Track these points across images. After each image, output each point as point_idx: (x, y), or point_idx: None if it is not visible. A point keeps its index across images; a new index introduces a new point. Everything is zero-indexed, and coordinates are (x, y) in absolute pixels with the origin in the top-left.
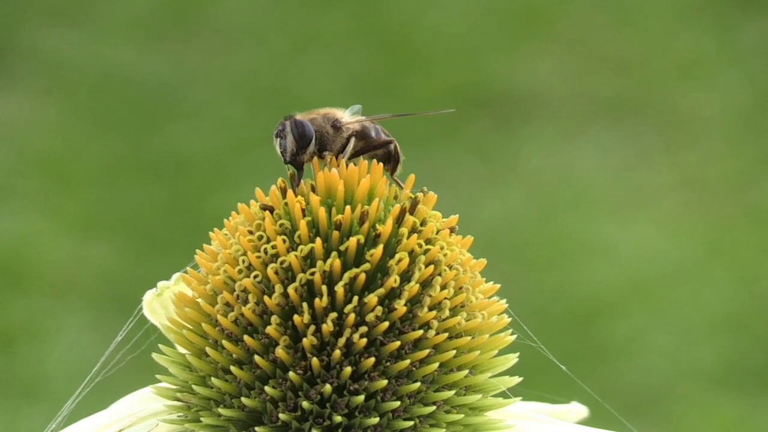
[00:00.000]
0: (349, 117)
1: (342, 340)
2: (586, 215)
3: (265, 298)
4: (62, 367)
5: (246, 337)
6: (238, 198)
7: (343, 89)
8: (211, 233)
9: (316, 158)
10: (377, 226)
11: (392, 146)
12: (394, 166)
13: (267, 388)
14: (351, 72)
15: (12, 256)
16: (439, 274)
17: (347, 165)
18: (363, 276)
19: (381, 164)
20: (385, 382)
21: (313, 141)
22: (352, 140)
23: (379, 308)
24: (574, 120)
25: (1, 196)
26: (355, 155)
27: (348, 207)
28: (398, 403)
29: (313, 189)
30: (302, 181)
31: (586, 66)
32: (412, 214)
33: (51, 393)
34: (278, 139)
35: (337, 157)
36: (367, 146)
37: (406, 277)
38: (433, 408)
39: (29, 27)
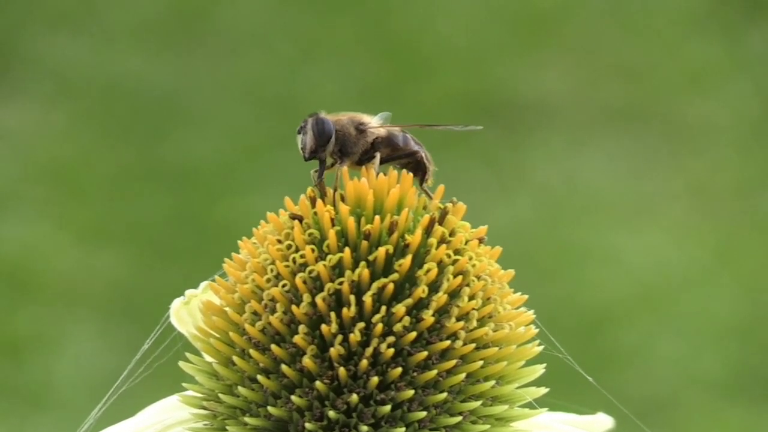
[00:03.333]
0: (376, 122)
1: (369, 350)
2: (593, 223)
3: (293, 307)
4: (69, 375)
5: (273, 346)
6: (246, 205)
7: (351, 96)
8: (239, 241)
9: (346, 168)
10: (406, 236)
11: (419, 155)
12: (423, 176)
13: (293, 398)
14: (358, 79)
15: (19, 264)
16: (468, 285)
17: (377, 173)
18: (391, 286)
19: (411, 174)
20: (411, 392)
21: (333, 139)
22: (377, 154)
23: (407, 318)
24: (582, 128)
25: (8, 204)
26: (381, 162)
27: (377, 217)
28: (425, 413)
29: (343, 198)
30: (332, 189)
31: (594, 74)
32: (441, 224)
33: (58, 402)
34: (299, 136)
35: (360, 162)
36: (393, 154)
37: (434, 287)
38: (460, 418)
39: (34, 34)
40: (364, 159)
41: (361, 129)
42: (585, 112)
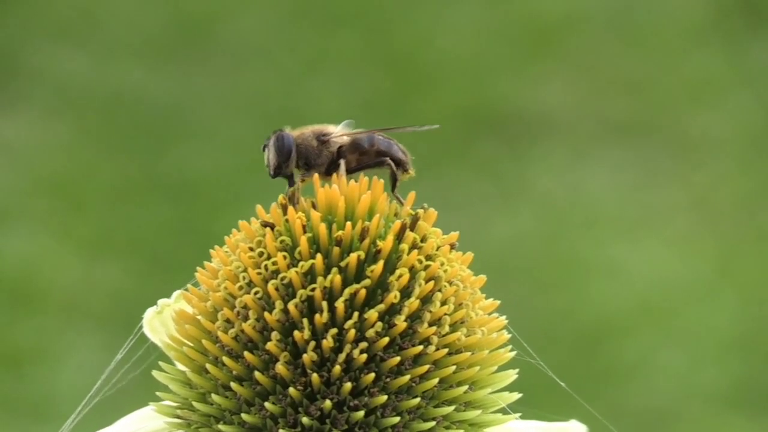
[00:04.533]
0: (339, 131)
1: (342, 356)
2: (595, 236)
3: (266, 314)
4: (71, 387)
5: (246, 354)
6: (248, 218)
7: (353, 110)
8: (211, 250)
9: (317, 175)
10: (378, 242)
11: (387, 162)
12: (394, 183)
13: (267, 405)
14: (361, 93)
15: (21, 276)
16: (440, 290)
17: (347, 180)
18: (363, 292)
19: (381, 181)
20: (384, 397)
21: (293, 154)
22: (342, 160)
23: (380, 324)
24: (584, 141)
25: (10, 217)
26: (352, 170)
27: (349, 223)
28: (398, 418)
29: (314, 205)
30: (303, 198)
31: (596, 87)
32: (412, 230)
33: (59, 414)
34: (264, 153)
35: (328, 173)
36: (363, 160)
37: (406, 292)
38: (433, 423)
39: (36, 47)
40: (333, 169)
41: (322, 140)
42: (587, 125)
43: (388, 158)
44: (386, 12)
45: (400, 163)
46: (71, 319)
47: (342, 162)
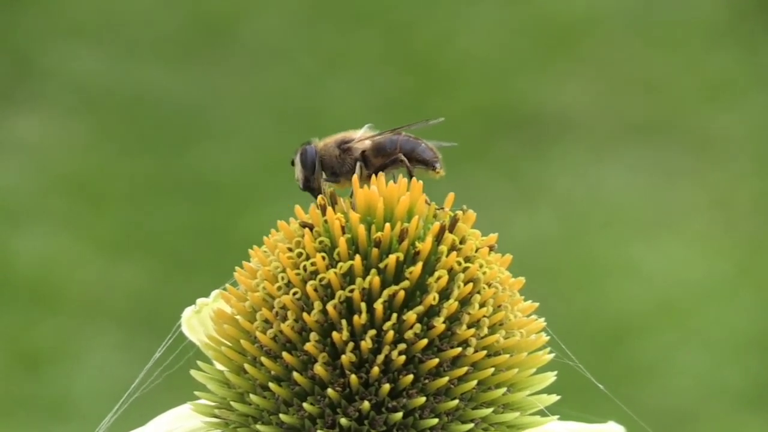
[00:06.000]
0: (361, 136)
1: (381, 357)
2: (614, 236)
3: (304, 314)
4: (90, 387)
5: (285, 354)
6: (268, 218)
7: (373, 110)
8: (250, 250)
9: (355, 177)
10: (416, 243)
11: (404, 162)
12: (410, 178)
13: (305, 405)
14: (380, 93)
15: (41, 276)
16: (478, 292)
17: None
18: (402, 293)
19: (420, 182)
20: (423, 399)
21: (317, 165)
22: (358, 163)
23: (418, 326)
24: (603, 141)
25: (30, 216)
26: (377, 170)
27: (387, 224)
28: (436, 420)
29: (353, 206)
30: (342, 199)
31: (615, 87)
32: (451, 232)
33: (79, 414)
34: (293, 168)
35: (361, 177)
36: (386, 161)
37: (445, 294)
38: (471, 425)
39: (55, 46)
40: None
41: (344, 148)
42: (606, 125)
43: (401, 156)
44: (406, 12)
45: (426, 163)
46: (90, 319)
47: (358, 166)
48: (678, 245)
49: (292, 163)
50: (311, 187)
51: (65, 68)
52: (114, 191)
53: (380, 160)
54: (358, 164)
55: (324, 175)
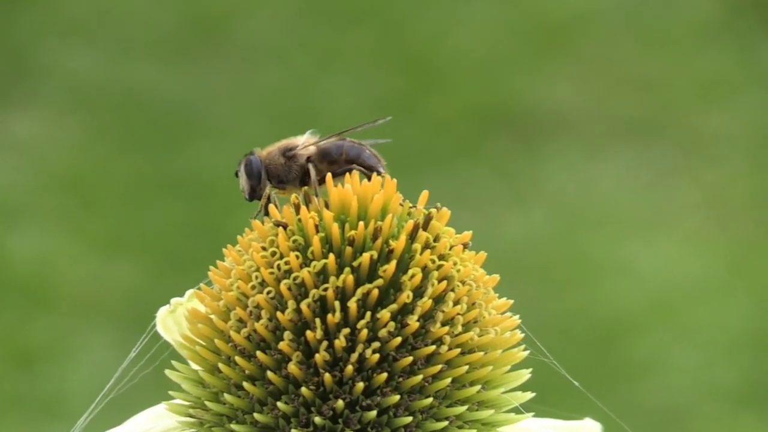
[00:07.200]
0: (304, 142)
1: (355, 356)
2: (608, 234)
3: (278, 313)
4: (84, 385)
5: (259, 353)
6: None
7: (366, 108)
8: (224, 249)
9: (330, 175)
10: (390, 241)
11: (355, 169)
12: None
13: (279, 404)
14: (374, 91)
15: (34, 274)
16: (452, 290)
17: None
18: (376, 292)
19: (395, 180)
20: (397, 397)
21: (262, 175)
22: (311, 166)
23: (392, 324)
24: (597, 139)
25: (23, 215)
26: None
27: (361, 223)
28: (411, 418)
29: (327, 205)
30: (318, 198)
31: (609, 85)
32: (425, 230)
33: (72, 412)
34: (238, 179)
35: (303, 183)
36: (333, 168)
37: (418, 292)
38: (446, 423)
39: (49, 44)
40: (307, 179)
41: (289, 155)
42: (600, 124)
43: (355, 166)
44: (399, 10)
45: (371, 169)
46: (83, 317)
47: (313, 175)
48: (671, 244)
49: (236, 175)
50: (258, 197)
51: (59, 67)
52: (108, 190)
53: (326, 166)
54: (311, 167)
55: (269, 183)
